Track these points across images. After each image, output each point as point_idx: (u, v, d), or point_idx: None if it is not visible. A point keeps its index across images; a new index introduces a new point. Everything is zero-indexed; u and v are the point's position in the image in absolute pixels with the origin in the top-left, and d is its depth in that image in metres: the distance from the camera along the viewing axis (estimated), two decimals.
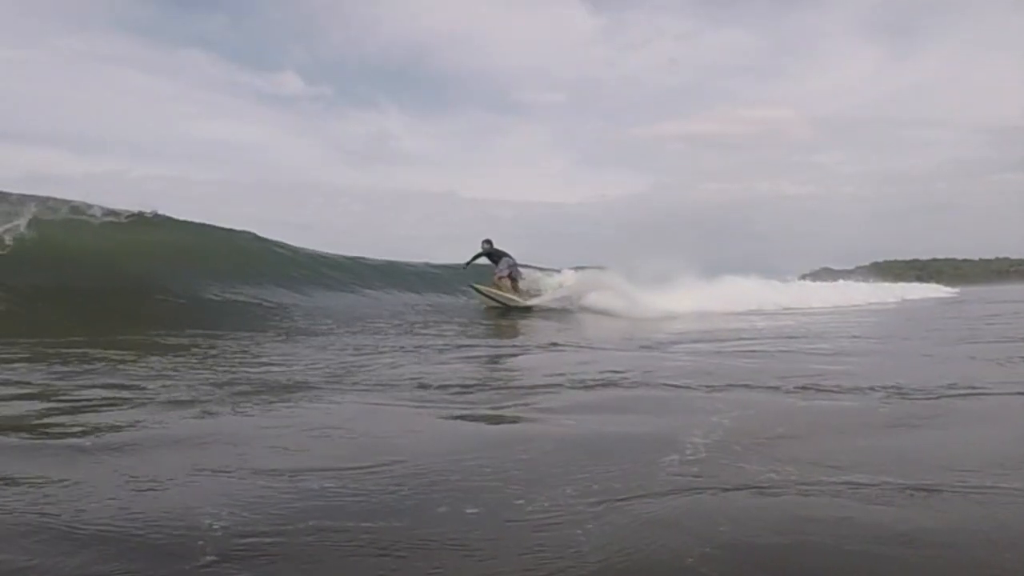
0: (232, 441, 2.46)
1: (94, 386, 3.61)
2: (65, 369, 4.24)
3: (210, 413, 2.94)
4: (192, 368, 4.44)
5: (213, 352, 5.42)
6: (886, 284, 31.47)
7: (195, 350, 5.50)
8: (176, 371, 4.25)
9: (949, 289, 39.15)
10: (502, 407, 3.27)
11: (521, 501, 1.84)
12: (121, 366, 4.47)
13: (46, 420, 2.77)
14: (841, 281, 27.59)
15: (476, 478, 2.06)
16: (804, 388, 3.64)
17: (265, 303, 10.80)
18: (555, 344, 6.65)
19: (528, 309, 13.55)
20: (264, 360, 5.00)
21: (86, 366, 4.40)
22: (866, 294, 23.66)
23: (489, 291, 14.11)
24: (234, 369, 4.45)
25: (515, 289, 14.20)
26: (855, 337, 7.65)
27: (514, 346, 6.83)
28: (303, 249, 16.04)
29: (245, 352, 5.48)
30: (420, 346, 6.26)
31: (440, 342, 6.72)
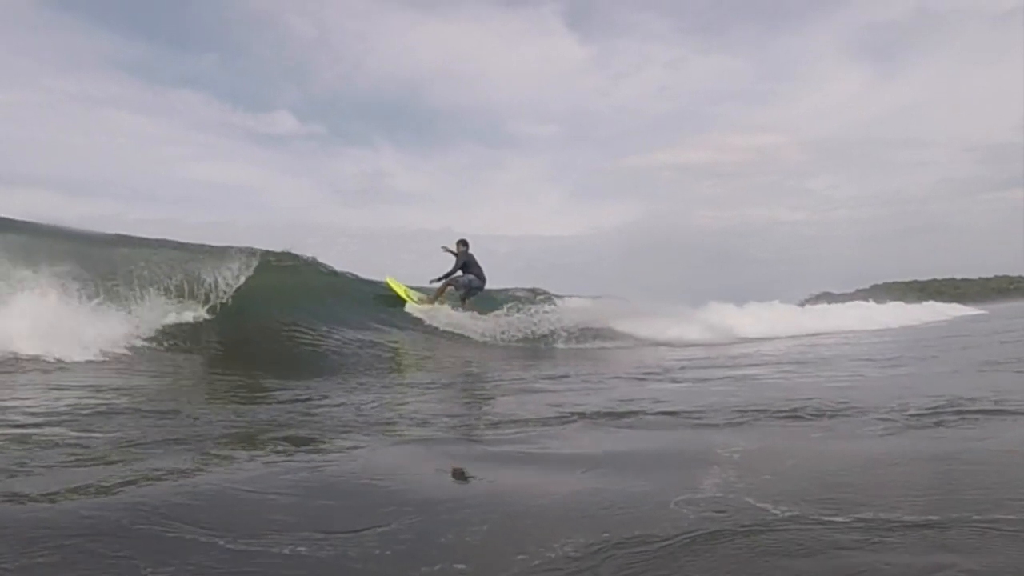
0: None
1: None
2: None
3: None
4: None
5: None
6: (908, 305, 31.05)
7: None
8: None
9: (972, 308, 38.47)
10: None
11: (523, 556, 1.77)
12: None
13: None
14: (864, 302, 27.28)
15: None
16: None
17: None
18: (566, 376, 6.60)
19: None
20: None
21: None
22: (893, 314, 23.39)
23: (417, 300, 12.86)
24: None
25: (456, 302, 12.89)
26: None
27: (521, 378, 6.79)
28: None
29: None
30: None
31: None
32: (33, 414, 3.50)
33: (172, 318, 7.98)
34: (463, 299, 13.02)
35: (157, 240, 10.84)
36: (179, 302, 8.42)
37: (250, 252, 10.38)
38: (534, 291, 15.53)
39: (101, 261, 8.13)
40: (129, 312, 7.41)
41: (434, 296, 12.93)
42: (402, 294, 13.05)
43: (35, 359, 5.63)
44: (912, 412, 3.55)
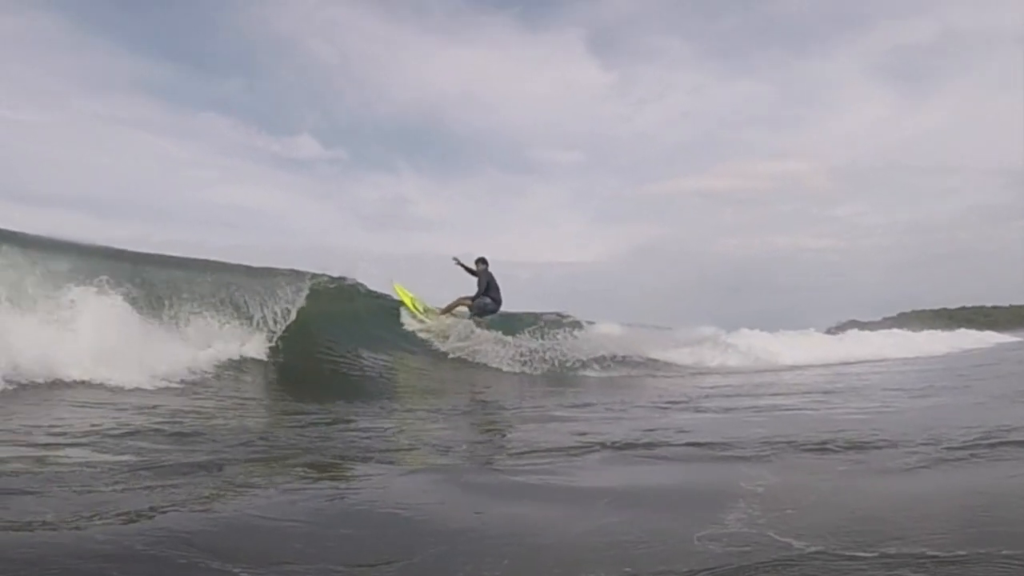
0: None
1: None
2: None
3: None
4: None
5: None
6: (941, 332, 30.43)
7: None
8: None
9: (1008, 336, 37.50)
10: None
11: None
12: None
13: None
14: (898, 329, 26.82)
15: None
16: None
17: None
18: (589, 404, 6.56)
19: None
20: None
21: None
22: (926, 342, 22.96)
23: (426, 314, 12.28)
24: None
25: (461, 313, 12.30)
26: None
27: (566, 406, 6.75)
28: None
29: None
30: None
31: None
32: (58, 434, 3.55)
33: (226, 343, 7.94)
34: (473, 318, 12.34)
35: (205, 261, 10.76)
36: (238, 326, 8.48)
37: (300, 275, 10.48)
38: (560, 315, 15.40)
39: (158, 283, 8.13)
40: (183, 337, 7.37)
41: (443, 310, 12.49)
42: (408, 303, 12.46)
43: (86, 383, 5.58)
44: (944, 444, 3.46)
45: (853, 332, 25.02)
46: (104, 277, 6.88)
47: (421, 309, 12.41)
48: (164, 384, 6.02)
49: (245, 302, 8.98)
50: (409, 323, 12.09)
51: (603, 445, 3.76)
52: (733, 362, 13.90)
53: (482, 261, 12.36)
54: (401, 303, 12.44)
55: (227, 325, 8.36)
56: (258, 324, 8.80)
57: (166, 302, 7.81)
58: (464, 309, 12.37)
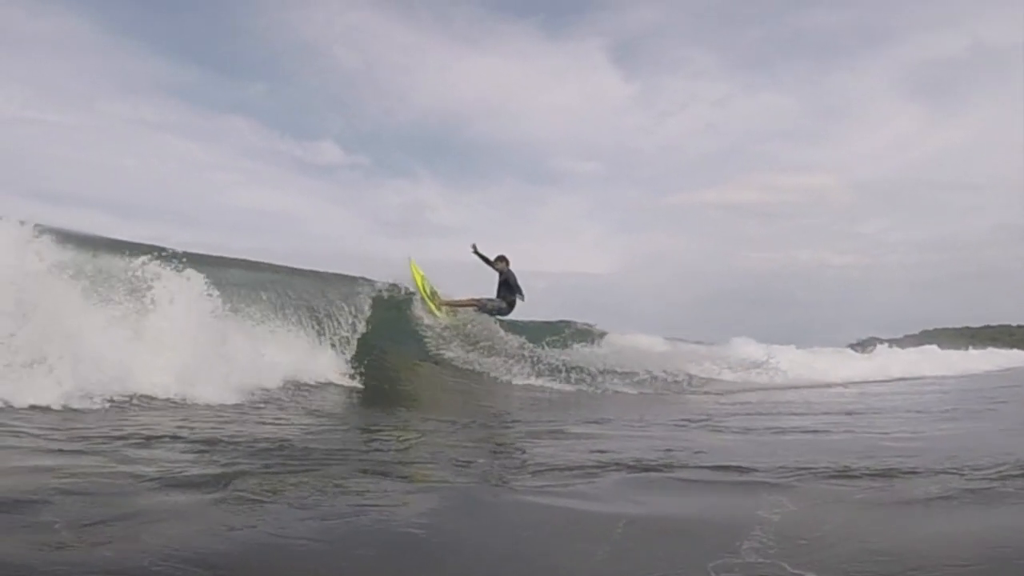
0: None
1: None
2: None
3: None
4: None
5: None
6: (972, 351, 29.83)
7: None
8: None
9: None
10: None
11: None
12: None
13: None
14: (929, 346, 26.34)
15: None
16: None
17: None
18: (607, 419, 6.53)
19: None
20: None
21: None
22: (957, 360, 22.59)
23: (443, 303, 12.00)
24: None
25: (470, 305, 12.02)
26: None
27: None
28: None
29: None
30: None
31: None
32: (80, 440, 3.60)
33: (307, 355, 7.95)
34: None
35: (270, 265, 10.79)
36: (316, 334, 8.63)
37: (368, 283, 10.65)
38: (590, 326, 15.17)
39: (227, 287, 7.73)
40: (257, 344, 7.21)
41: (449, 302, 12.13)
42: (419, 282, 12.00)
43: (164, 399, 5.46)
44: (968, 474, 3.40)
45: (883, 348, 24.56)
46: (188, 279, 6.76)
47: (429, 292, 12.09)
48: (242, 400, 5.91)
49: (320, 311, 9.14)
50: (420, 314, 11.80)
51: (620, 465, 3.74)
52: (762, 379, 13.74)
53: (502, 259, 11.92)
54: (416, 291, 12.05)
55: (300, 335, 8.41)
56: (331, 334, 8.95)
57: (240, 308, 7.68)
58: (471, 312, 12.04)
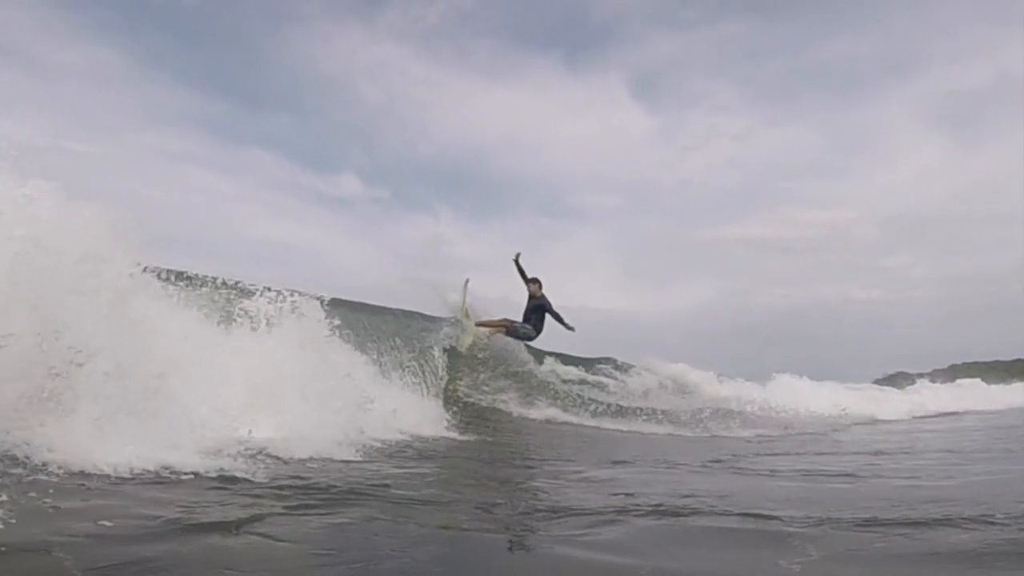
0: None
1: None
2: None
3: None
4: None
5: None
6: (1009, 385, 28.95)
7: None
8: None
9: None
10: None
11: None
12: None
13: None
14: (969, 380, 25.57)
15: None
16: None
17: None
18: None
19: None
20: None
21: None
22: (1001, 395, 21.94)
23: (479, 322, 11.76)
24: None
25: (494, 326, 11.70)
26: None
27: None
28: None
29: None
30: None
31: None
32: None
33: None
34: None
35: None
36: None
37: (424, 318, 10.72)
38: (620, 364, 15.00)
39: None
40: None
41: (480, 322, 11.84)
42: (463, 303, 11.91)
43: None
44: (999, 523, 3.31)
45: (923, 383, 23.84)
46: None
47: (465, 312, 12.04)
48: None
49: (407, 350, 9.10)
50: (458, 338, 11.66)
51: (640, 508, 3.70)
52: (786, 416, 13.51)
53: (536, 281, 11.51)
54: (463, 307, 11.99)
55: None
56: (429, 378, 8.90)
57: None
58: (500, 336, 11.80)
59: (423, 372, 9.16)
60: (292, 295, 6.44)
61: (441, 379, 9.47)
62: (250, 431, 4.67)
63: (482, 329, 11.89)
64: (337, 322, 6.58)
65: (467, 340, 11.77)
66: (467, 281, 12.19)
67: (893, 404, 16.33)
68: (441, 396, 9.13)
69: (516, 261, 11.73)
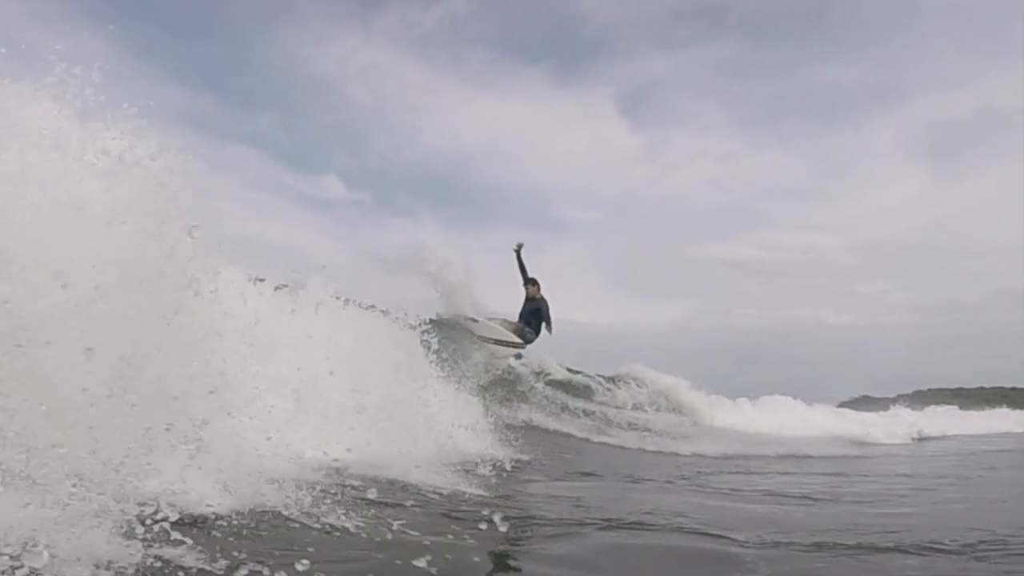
0: None
1: None
2: None
3: None
4: None
5: None
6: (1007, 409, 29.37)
7: None
8: None
9: None
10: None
11: None
12: None
13: None
14: (939, 407, 25.86)
15: None
16: None
17: None
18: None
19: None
20: None
21: None
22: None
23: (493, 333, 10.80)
24: None
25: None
26: None
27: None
28: None
29: None
30: None
31: None
32: None
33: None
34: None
35: None
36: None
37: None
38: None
39: None
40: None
41: (501, 341, 10.99)
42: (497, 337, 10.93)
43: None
44: (944, 550, 3.39)
45: (900, 408, 24.04)
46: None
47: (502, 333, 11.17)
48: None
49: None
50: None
51: (598, 523, 3.73)
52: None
53: (534, 283, 10.82)
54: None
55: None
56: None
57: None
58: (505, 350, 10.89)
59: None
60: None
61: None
62: (325, 452, 4.11)
63: (504, 350, 10.97)
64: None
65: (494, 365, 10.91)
66: (474, 320, 11.22)
67: (887, 428, 16.22)
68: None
69: (517, 252, 10.99)
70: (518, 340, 10.92)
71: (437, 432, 5.51)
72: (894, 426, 15.56)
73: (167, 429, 2.55)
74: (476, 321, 11.14)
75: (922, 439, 14.68)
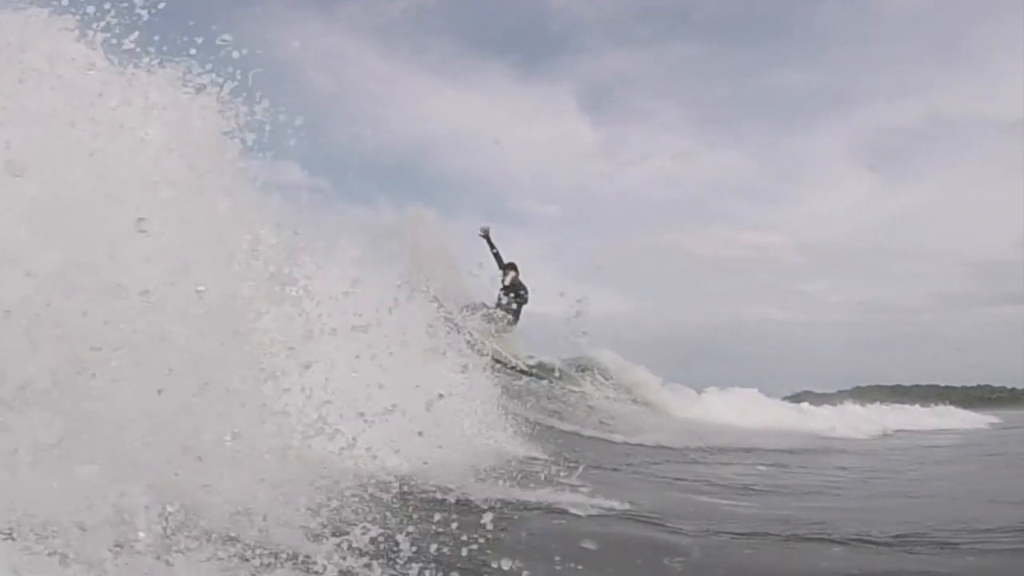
0: None
1: None
2: None
3: None
4: None
5: None
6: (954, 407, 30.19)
7: None
8: None
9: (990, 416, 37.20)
10: None
11: None
12: None
13: None
14: (908, 405, 26.50)
15: None
16: None
17: None
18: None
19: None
20: None
21: None
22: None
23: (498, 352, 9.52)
24: None
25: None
26: None
27: None
28: None
29: None
30: None
31: None
32: None
33: None
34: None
35: None
36: None
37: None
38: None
39: None
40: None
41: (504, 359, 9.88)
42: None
43: None
44: (881, 540, 3.46)
45: (851, 405, 24.41)
46: None
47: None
48: None
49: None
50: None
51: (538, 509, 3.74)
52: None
53: (512, 267, 10.02)
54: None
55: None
56: None
57: None
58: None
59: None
60: None
61: None
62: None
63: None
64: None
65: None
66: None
67: (851, 423, 16.37)
68: None
69: (486, 237, 10.08)
70: (516, 362, 10.12)
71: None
72: (858, 422, 15.78)
73: None
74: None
75: (886, 435, 14.95)
